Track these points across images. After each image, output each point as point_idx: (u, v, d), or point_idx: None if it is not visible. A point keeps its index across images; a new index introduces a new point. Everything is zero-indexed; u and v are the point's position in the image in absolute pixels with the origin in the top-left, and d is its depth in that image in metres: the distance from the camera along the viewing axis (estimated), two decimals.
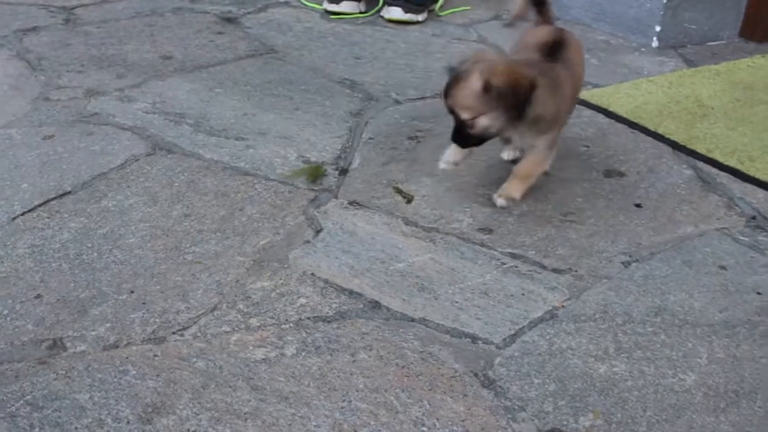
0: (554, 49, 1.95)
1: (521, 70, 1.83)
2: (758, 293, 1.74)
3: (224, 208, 1.94)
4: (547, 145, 1.96)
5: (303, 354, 1.51)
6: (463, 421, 1.38)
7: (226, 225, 1.87)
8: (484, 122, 1.82)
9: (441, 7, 3.39)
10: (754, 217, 2.01)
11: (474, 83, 1.80)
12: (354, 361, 1.50)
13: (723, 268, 1.82)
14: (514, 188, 1.99)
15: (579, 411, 1.42)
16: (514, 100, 1.80)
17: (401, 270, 1.75)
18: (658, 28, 3.09)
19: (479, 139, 1.88)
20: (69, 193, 1.96)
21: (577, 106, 2.54)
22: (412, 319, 1.61)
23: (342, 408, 1.39)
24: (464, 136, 1.87)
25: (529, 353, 1.55)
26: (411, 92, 2.62)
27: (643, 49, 3.12)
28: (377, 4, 3.32)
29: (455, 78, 1.85)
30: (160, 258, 1.75)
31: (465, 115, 1.83)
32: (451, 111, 1.85)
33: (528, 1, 2.10)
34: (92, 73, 2.63)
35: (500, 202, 1.98)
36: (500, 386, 1.46)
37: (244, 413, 1.37)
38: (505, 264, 1.79)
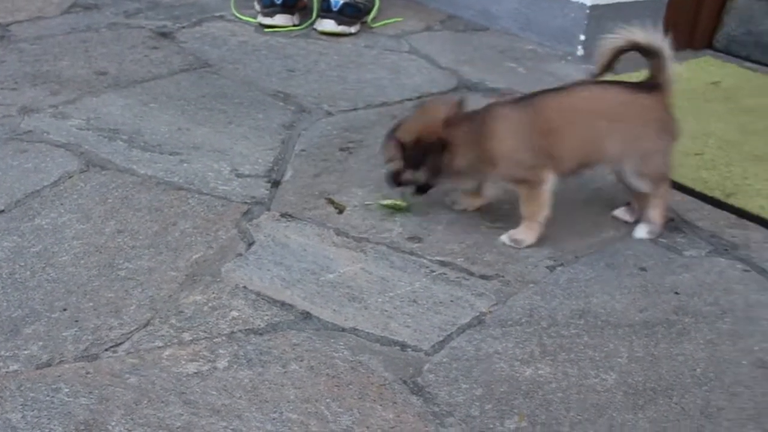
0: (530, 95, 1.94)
1: (428, 127, 1.89)
2: (676, 293, 1.81)
3: (157, 223, 1.95)
4: (518, 183, 1.92)
5: (235, 367, 1.53)
6: (392, 428, 1.42)
7: (160, 240, 1.89)
8: (407, 176, 1.94)
9: (373, 19, 3.43)
10: (672, 219, 2.08)
11: (393, 141, 1.94)
12: (285, 372, 1.53)
13: (643, 269, 1.89)
14: (523, 231, 1.96)
15: (505, 414, 1.47)
16: (424, 155, 1.90)
17: (332, 281, 1.79)
18: (582, 37, 3.17)
19: (416, 188, 1.98)
20: (2, 211, 1.96)
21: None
22: (343, 329, 1.65)
23: (273, 419, 1.42)
24: (397, 182, 1.98)
25: (457, 359, 1.59)
26: (343, 104, 2.66)
27: (569, 58, 3.20)
28: (311, 17, 3.35)
29: (388, 132, 1.97)
30: (93, 275, 1.76)
31: (390, 167, 1.96)
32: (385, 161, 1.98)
33: (616, 52, 1.93)
34: (26, 90, 2.62)
35: (504, 239, 1.96)
36: (429, 392, 1.51)
37: (177, 428, 1.39)
38: (434, 272, 1.84)
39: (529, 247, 1.94)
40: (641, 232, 2.01)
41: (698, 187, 2.19)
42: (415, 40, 3.29)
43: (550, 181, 1.91)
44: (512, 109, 1.90)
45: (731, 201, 2.15)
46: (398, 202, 2.05)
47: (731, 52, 3.29)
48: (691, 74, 3.03)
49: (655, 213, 1.99)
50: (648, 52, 1.90)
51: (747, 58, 3.28)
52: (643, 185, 1.96)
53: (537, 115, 1.88)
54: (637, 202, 2.04)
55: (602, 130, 1.90)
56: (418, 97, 2.72)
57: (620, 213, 2.09)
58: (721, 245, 1.99)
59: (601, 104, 1.92)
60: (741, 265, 1.93)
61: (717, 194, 2.17)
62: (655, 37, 1.89)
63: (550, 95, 1.92)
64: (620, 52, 1.91)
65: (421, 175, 1.94)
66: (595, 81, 1.96)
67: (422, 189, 1.99)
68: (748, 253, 1.97)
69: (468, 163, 1.90)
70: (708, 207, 2.14)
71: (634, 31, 1.89)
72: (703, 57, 3.27)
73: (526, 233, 1.95)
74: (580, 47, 3.18)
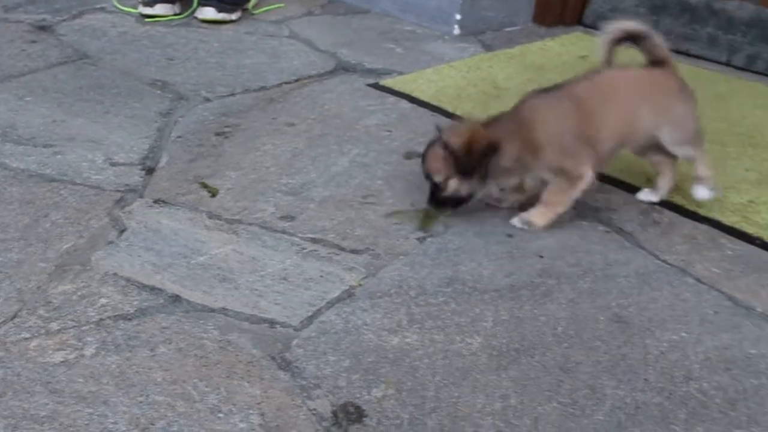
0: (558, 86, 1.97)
1: (479, 132, 1.87)
2: (540, 256, 1.87)
3: (28, 215, 1.93)
4: (558, 174, 1.93)
5: (102, 353, 1.53)
6: (259, 404, 1.44)
7: (30, 232, 1.87)
8: (453, 185, 1.90)
9: (255, 5, 3.44)
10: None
11: (439, 148, 1.89)
12: (153, 355, 1.53)
13: (510, 236, 1.95)
14: (536, 214, 1.99)
15: (372, 383, 1.50)
16: (474, 161, 1.86)
17: (203, 263, 1.80)
18: (458, 17, 3.23)
19: (455, 201, 1.94)
20: None
21: (382, 93, 2.66)
22: (212, 310, 1.66)
23: (140, 402, 1.43)
24: (438, 198, 1.94)
25: (325, 332, 1.62)
26: (221, 89, 2.66)
27: (446, 37, 3.26)
28: (191, 6, 3.33)
29: (429, 143, 1.94)
30: None
31: (436, 178, 1.91)
32: (426, 175, 1.93)
33: (612, 42, 2.00)
34: None
35: (515, 221, 1.99)
36: (297, 367, 1.53)
37: (42, 417, 1.39)
38: (305, 249, 1.86)
39: (536, 230, 1.97)
40: (703, 191, 2.03)
41: None
42: (296, 25, 3.31)
43: (588, 179, 1.93)
44: (547, 98, 1.93)
45: None
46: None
47: (599, 27, 3.38)
48: (563, 49, 3.13)
49: (704, 168, 2.03)
50: (638, 38, 1.98)
51: None
52: (684, 152, 2.01)
53: (572, 101, 1.91)
54: (660, 178, 2.11)
55: (635, 106, 1.95)
56: (296, 80, 2.75)
57: (645, 195, 2.13)
58: (584, 209, 2.05)
59: (629, 82, 1.97)
60: (602, 227, 2.00)
61: None
62: (637, 23, 1.98)
63: (577, 82, 1.96)
64: (616, 42, 1.98)
65: (467, 186, 1.90)
66: (609, 68, 2.01)
67: (459, 202, 1.95)
68: (608, 215, 2.05)
69: (513, 158, 1.89)
70: None
71: (620, 22, 1.98)
72: (574, 32, 3.38)
73: (539, 217, 1.97)
74: (456, 26, 3.25)
